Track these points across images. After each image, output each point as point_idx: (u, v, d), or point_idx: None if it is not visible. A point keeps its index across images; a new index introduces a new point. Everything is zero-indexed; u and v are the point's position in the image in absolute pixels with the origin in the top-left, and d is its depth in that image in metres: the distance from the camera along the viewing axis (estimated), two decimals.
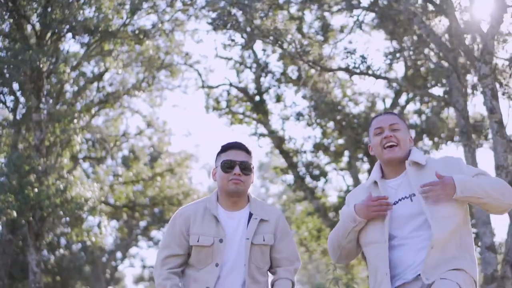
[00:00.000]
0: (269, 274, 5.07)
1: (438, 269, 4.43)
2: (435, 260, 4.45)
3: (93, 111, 20.69)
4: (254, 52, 22.00)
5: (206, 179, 50.97)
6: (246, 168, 4.99)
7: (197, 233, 4.91)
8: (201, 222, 4.94)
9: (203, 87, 22.82)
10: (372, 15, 18.77)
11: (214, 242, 4.88)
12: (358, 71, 14.78)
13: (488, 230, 14.15)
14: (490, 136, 17.76)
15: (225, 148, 5.06)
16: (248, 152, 5.07)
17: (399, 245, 4.57)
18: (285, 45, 14.67)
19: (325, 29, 20.76)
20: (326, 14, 20.45)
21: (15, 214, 17.24)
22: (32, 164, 17.53)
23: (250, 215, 4.98)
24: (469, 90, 15.52)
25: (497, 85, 13.32)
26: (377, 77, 14.99)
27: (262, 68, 21.59)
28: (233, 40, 15.89)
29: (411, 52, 18.68)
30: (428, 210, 4.49)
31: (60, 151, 18.96)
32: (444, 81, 17.88)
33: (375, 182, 4.76)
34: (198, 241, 4.89)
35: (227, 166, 4.96)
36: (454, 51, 14.04)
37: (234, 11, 14.92)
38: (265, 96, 22.80)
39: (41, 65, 16.97)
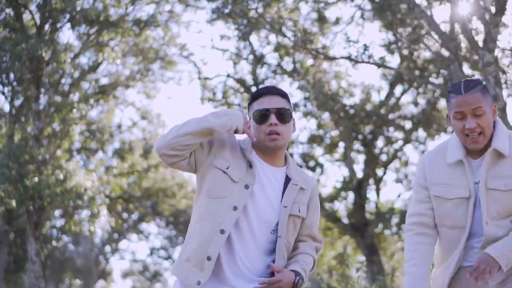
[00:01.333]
0: None
1: None
2: None
3: (91, 101, 20.71)
4: (250, 44, 22.07)
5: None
6: (283, 116, 4.15)
7: (225, 158, 4.17)
8: (230, 153, 4.20)
9: (199, 78, 22.87)
10: (369, 5, 18.86)
11: (239, 183, 4.11)
12: (360, 60, 14.89)
13: None
14: None
15: (257, 96, 4.23)
16: (284, 96, 4.23)
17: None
18: (288, 34, 14.77)
19: (321, 21, 20.84)
20: (322, 5, 20.53)
21: (14, 203, 17.27)
22: (32, 153, 17.56)
23: (288, 179, 4.22)
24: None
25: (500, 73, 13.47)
26: (379, 66, 15.10)
27: (258, 60, 21.65)
28: (238, 29, 15.93)
29: (407, 43, 18.80)
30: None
31: (59, 141, 19.00)
32: (442, 71, 18.01)
33: (461, 161, 4.34)
34: (224, 166, 4.14)
35: (260, 116, 4.13)
36: (456, 39, 14.17)
37: (230, 2, 14.99)
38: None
39: (43, 54, 16.96)
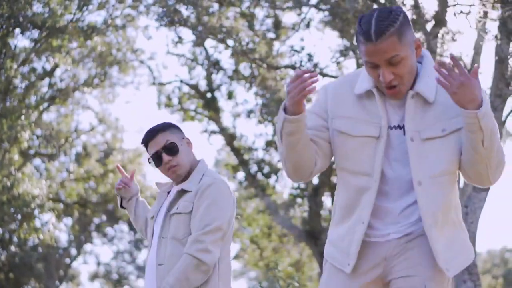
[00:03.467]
0: None
1: None
2: None
3: (41, 107, 20.50)
4: (205, 49, 21.93)
5: (160, 176, 50.75)
6: (170, 151, 4.67)
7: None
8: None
9: (154, 83, 22.74)
10: (322, 13, 18.83)
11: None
12: (304, 68, 14.75)
13: None
14: None
15: (145, 144, 4.77)
16: (164, 130, 4.71)
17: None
18: (233, 43, 14.67)
19: (277, 26, 20.75)
20: (278, 11, 20.45)
21: None
22: None
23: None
24: None
25: None
26: (324, 75, 15.03)
27: (213, 65, 21.52)
28: (180, 38, 15.83)
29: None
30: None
31: (8, 147, 18.79)
32: None
33: (371, 92, 3.54)
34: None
35: (154, 162, 4.72)
36: None
37: (182, 8, 14.89)
38: (216, 93, 22.78)
39: None
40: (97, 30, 18.31)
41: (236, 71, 22.13)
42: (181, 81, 22.59)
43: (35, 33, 18.37)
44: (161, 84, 22.85)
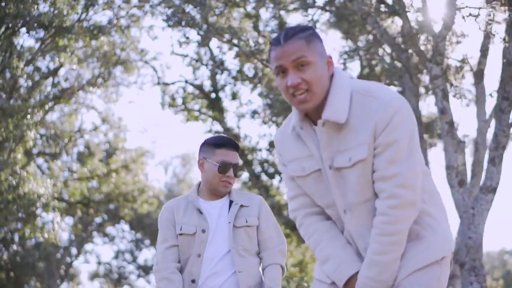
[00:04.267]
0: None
1: None
2: None
3: (47, 106, 20.49)
4: (210, 50, 21.97)
5: (163, 176, 50.82)
6: (238, 172, 5.13)
7: (180, 222, 4.99)
8: (183, 213, 5.02)
9: (158, 83, 22.76)
10: (328, 14, 18.86)
11: (197, 231, 4.96)
12: None
13: None
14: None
15: (219, 145, 5.11)
16: (238, 151, 5.18)
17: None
18: (240, 43, 14.69)
19: (281, 27, 20.80)
20: (282, 12, 20.49)
21: None
22: None
23: (231, 202, 5.08)
24: (422, 90, 15.65)
25: (448, 86, 13.49)
26: None
27: (217, 65, 21.57)
28: (187, 38, 15.86)
29: (365, 52, 18.83)
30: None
31: (13, 146, 18.79)
32: (396, 82, 18.04)
33: (301, 128, 3.50)
34: (181, 229, 4.97)
35: (223, 167, 5.03)
36: (407, 51, 14.17)
37: (189, 8, 14.92)
38: (220, 94, 22.83)
39: None
40: (103, 30, 18.29)
41: (240, 71, 22.18)
42: (186, 82, 22.62)
43: (41, 33, 18.36)
44: (166, 84, 22.88)
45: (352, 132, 3.35)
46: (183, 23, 14.91)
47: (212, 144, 5.11)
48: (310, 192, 3.55)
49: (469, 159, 14.93)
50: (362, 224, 3.43)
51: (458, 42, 13.64)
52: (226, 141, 5.11)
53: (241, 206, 5.06)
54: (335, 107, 3.33)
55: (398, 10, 13.57)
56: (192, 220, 5.00)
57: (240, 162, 22.31)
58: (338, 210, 3.49)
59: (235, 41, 15.11)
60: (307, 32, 3.34)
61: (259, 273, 5.03)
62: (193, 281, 4.92)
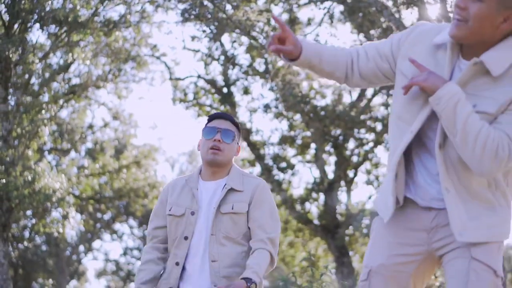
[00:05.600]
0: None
1: None
2: None
3: (60, 102, 20.50)
4: (222, 44, 21.99)
5: (169, 173, 50.84)
6: (227, 136, 4.80)
7: (171, 202, 4.82)
8: (179, 193, 4.83)
9: (170, 79, 22.77)
10: (340, 7, 18.87)
11: (186, 213, 4.75)
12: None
13: None
14: None
15: (211, 118, 4.94)
16: (233, 122, 4.91)
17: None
18: (256, 36, 14.72)
19: (293, 22, 20.84)
20: (293, 7, 20.51)
21: None
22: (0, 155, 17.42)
23: (225, 185, 4.81)
24: None
25: None
26: None
27: (229, 60, 21.58)
28: (204, 31, 15.89)
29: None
30: None
31: (28, 142, 18.82)
32: None
33: (444, 46, 3.49)
34: (170, 210, 4.79)
35: (208, 133, 4.83)
36: None
37: (205, 2, 14.96)
38: (232, 88, 22.83)
39: (10, 55, 16.84)
40: (118, 25, 18.31)
41: (251, 66, 22.19)
42: (199, 76, 22.63)
43: (54, 28, 18.37)
44: (178, 79, 22.88)
45: (494, 88, 3.34)
46: (194, 18, 14.93)
47: (206, 122, 4.97)
48: (400, 97, 3.55)
49: None
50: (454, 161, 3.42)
51: None
52: (218, 114, 4.97)
53: (232, 190, 4.76)
54: (497, 57, 3.34)
55: (416, 0, 13.60)
56: (184, 201, 4.79)
57: (244, 144, 22.30)
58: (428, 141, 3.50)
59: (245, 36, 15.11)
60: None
61: (240, 263, 4.70)
62: (177, 263, 4.72)
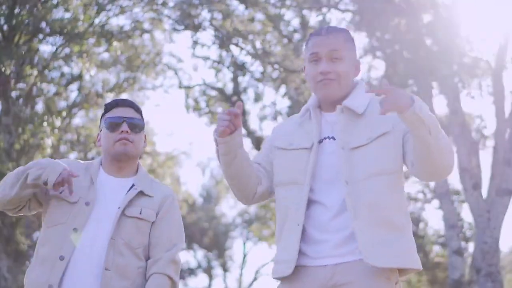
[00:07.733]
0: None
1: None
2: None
3: (64, 113, 20.36)
4: (231, 52, 21.69)
5: (200, 177, 50.75)
6: (135, 126, 4.24)
7: None
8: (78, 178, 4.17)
9: (180, 87, 22.54)
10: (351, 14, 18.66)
11: (79, 202, 4.11)
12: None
13: (455, 234, 13.83)
14: None
15: (110, 107, 4.32)
16: (137, 109, 4.34)
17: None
18: (249, 46, 14.47)
19: (304, 27, 20.50)
20: (305, 12, 20.19)
21: None
22: (1, 168, 17.30)
23: (133, 185, 4.24)
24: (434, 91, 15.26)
25: (461, 85, 13.10)
26: None
27: (238, 68, 21.28)
28: (195, 42, 15.66)
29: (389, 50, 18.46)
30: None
31: (31, 154, 18.69)
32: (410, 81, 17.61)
33: (308, 111, 3.87)
34: (61, 192, 4.13)
35: (113, 124, 4.23)
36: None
37: (199, 11, 14.75)
38: (243, 96, 22.52)
39: (4, 68, 16.72)
40: (117, 35, 18.14)
41: (263, 73, 21.90)
42: (206, 84, 22.35)
43: (58, 39, 18.28)
44: (187, 87, 22.60)
45: (369, 120, 3.74)
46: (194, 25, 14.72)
47: (103, 113, 4.38)
48: (283, 166, 3.83)
49: (489, 161, 14.41)
50: (359, 196, 3.62)
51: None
52: (119, 100, 4.38)
53: (142, 193, 4.19)
54: (355, 99, 3.77)
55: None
56: (79, 188, 4.13)
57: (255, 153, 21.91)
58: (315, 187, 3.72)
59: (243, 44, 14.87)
60: (347, 33, 3.85)
61: (135, 280, 4.08)
62: (61, 258, 4.00)
